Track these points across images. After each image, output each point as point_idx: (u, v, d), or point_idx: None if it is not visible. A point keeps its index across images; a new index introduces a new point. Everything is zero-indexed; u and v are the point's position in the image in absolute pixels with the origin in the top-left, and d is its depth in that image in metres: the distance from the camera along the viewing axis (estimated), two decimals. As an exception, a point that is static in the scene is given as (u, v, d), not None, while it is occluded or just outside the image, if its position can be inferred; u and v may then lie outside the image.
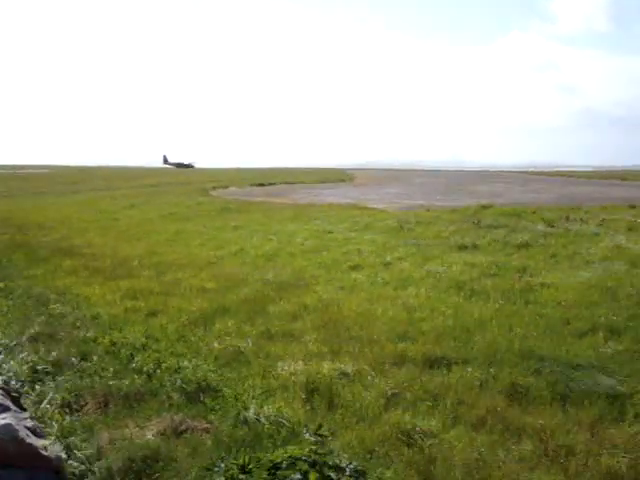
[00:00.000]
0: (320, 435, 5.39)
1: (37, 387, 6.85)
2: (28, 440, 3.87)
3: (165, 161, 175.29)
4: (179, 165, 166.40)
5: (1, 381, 6.44)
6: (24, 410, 4.84)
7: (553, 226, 21.03)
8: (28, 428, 4.09)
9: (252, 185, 60.18)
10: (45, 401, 6.40)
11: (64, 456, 4.43)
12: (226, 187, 56.77)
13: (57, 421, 5.95)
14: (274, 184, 62.58)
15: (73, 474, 4.97)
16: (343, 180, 75.21)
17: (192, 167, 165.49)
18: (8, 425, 3.84)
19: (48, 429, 5.64)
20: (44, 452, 3.93)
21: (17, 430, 3.84)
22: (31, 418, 4.61)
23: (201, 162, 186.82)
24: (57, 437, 5.48)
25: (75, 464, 5.09)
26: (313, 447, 5.09)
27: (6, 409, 4.21)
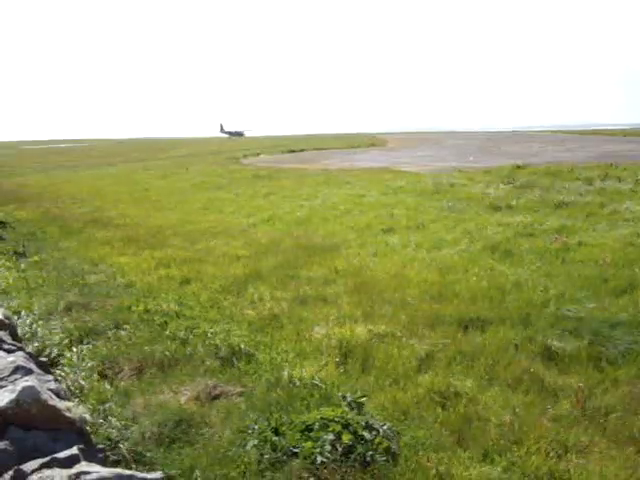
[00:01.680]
0: (353, 401, 5.33)
1: (72, 355, 6.91)
2: (51, 402, 3.87)
3: (222, 129, 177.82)
4: (231, 133, 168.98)
5: (31, 348, 6.50)
6: (49, 374, 4.87)
7: (590, 184, 20.68)
8: (51, 390, 4.11)
9: (283, 152, 60.01)
10: (80, 368, 6.45)
11: (89, 418, 4.45)
12: (257, 155, 56.76)
13: (93, 388, 6.01)
14: (304, 150, 62.38)
15: (109, 439, 5.01)
16: (374, 144, 74.67)
17: (242, 135, 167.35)
18: (31, 387, 3.85)
19: (83, 396, 5.72)
20: (67, 414, 3.94)
21: (39, 392, 3.85)
22: (55, 380, 4.63)
23: (255, 130, 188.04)
24: (92, 404, 5.54)
25: (110, 430, 5.13)
26: (346, 409, 5.07)
27: (29, 372, 4.23)
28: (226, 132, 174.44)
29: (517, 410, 5.42)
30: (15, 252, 12.97)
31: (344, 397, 5.35)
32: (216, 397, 5.88)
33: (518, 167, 28.24)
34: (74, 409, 4.08)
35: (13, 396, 3.86)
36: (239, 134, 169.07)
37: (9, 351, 4.86)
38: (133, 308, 8.66)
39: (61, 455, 3.57)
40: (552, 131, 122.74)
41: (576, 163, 29.74)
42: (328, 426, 4.76)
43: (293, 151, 61.22)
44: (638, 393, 5.69)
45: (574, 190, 19.41)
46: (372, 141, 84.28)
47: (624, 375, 6.07)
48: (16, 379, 4.16)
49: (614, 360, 6.45)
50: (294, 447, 4.64)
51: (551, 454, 4.72)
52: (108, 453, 4.71)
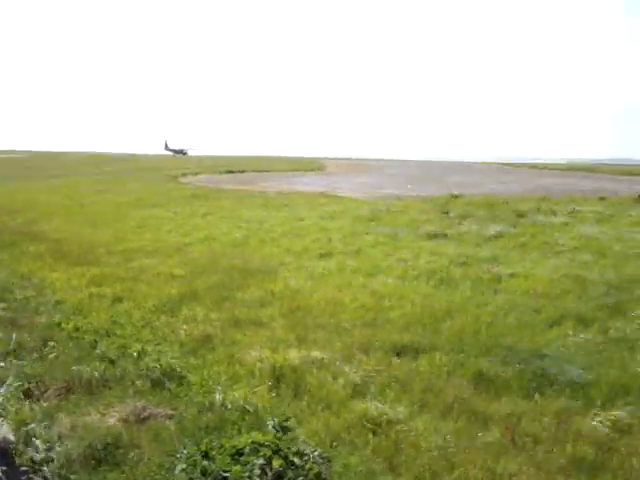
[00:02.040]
0: (283, 427, 5.27)
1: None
2: (-29, 422, 3.75)
3: (166, 147, 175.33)
4: (175, 151, 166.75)
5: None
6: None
7: (523, 216, 21.17)
8: (-30, 411, 3.99)
9: (221, 173, 59.63)
10: (3, 387, 6.24)
11: (12, 439, 4.32)
12: (196, 174, 56.23)
13: (16, 408, 5.82)
14: (244, 172, 62.13)
15: (32, 461, 4.86)
16: (313, 169, 74.79)
17: (185, 153, 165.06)
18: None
19: (6, 416, 5.53)
20: (-12, 434, 3.83)
21: (-43, 413, 3.73)
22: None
23: (198, 149, 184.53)
24: (16, 424, 5.36)
25: (34, 451, 4.97)
26: (277, 434, 5.02)
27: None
28: (170, 149, 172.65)
29: (448, 437, 5.46)
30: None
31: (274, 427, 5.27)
32: (145, 419, 5.76)
33: (455, 197, 28.71)
34: (-4, 430, 3.96)
35: None
36: (182, 152, 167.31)
37: None
38: (63, 325, 8.46)
39: (-18, 477, 3.45)
40: (491, 164, 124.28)
41: (512, 195, 30.42)
42: (259, 451, 4.70)
43: (232, 172, 60.86)
44: (566, 423, 5.80)
45: (508, 221, 19.83)
46: (313, 165, 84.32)
47: (553, 405, 6.18)
48: None
49: (543, 390, 6.57)
50: (224, 471, 4.57)
51: (480, 482, 4.76)
52: (32, 476, 4.58)
